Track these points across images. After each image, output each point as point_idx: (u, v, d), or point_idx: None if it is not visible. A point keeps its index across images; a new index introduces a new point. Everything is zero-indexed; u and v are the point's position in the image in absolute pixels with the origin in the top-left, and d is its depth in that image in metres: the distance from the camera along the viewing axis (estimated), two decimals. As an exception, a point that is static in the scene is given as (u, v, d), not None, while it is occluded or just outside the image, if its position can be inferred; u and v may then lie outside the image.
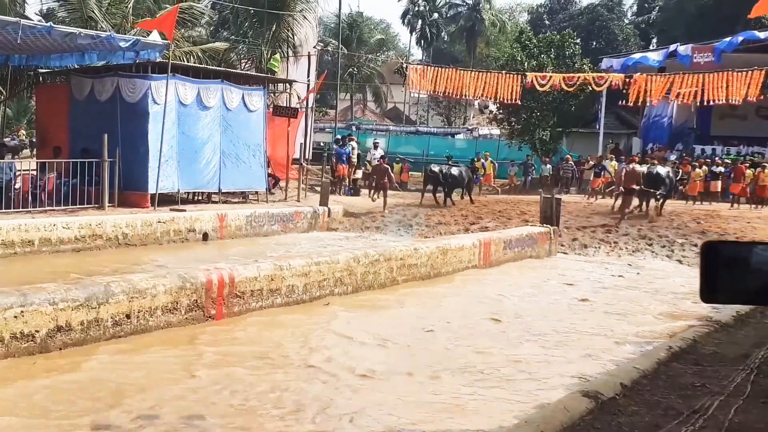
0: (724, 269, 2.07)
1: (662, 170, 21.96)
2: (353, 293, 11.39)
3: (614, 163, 30.09)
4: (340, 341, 8.77)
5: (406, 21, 71.69)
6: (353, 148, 27.22)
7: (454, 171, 23.32)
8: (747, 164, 26.84)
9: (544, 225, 17.44)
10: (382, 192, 22.10)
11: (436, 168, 23.31)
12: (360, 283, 11.67)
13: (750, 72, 25.76)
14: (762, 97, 25.94)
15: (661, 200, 21.20)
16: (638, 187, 20.44)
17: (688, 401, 5.61)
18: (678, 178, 24.00)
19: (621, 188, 21.31)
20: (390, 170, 23.64)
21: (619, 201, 21.40)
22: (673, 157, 29.57)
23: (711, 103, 27.17)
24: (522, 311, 10.90)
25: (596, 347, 8.78)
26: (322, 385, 7.00)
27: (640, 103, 29.96)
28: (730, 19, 39.78)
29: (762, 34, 29.82)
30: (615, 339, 9.25)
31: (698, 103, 27.59)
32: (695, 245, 17.19)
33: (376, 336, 9.01)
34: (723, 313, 9.36)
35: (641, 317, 10.84)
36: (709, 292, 1.98)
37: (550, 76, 30.73)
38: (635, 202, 20.90)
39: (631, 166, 21.68)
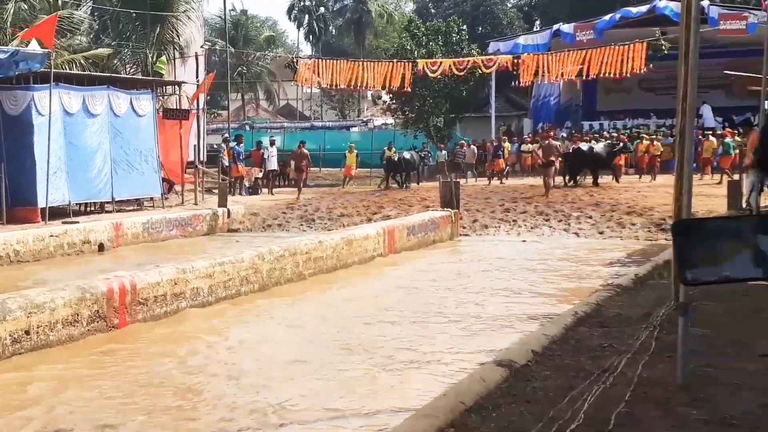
0: (700, 247, 1.95)
1: (595, 146, 24.24)
2: (260, 291, 11.23)
3: (507, 144, 30.75)
4: (248, 339, 8.63)
5: (292, 17, 71.24)
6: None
7: (407, 156, 27.16)
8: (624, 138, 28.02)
9: (445, 209, 17.65)
10: (298, 180, 23.70)
11: (395, 156, 27.10)
12: (267, 280, 11.52)
13: (633, 45, 26.68)
14: (647, 69, 26.92)
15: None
16: (556, 160, 21.61)
17: (597, 361, 5.74)
18: (617, 150, 25.04)
19: (539, 162, 22.45)
20: (309, 157, 26.14)
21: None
22: (563, 135, 30.37)
23: (599, 76, 27.99)
24: (430, 294, 10.99)
25: (505, 320, 8.94)
26: (235, 383, 6.87)
27: (529, 83, 30.65)
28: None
29: (635, 10, 31.01)
30: (522, 310, 9.44)
31: (585, 77, 28.39)
32: (590, 217, 17.75)
33: (288, 327, 8.91)
34: (623, 277, 9.69)
35: (545, 288, 11.10)
36: (690, 272, 1.86)
37: (440, 62, 31.08)
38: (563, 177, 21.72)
39: (546, 141, 22.54)
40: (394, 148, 29.99)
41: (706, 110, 30.28)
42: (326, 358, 7.65)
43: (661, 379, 5.31)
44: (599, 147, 24.99)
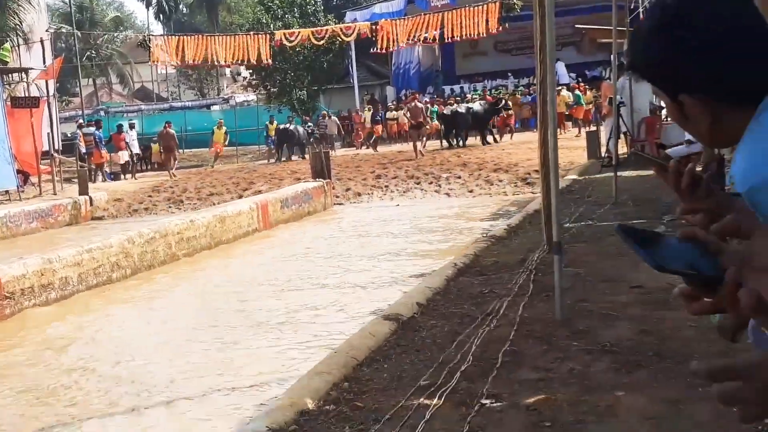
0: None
1: (474, 106, 25.09)
2: (133, 275, 10.87)
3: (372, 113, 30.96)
4: (124, 324, 8.36)
5: (140, -4, 68.66)
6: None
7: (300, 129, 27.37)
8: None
9: (317, 180, 17.58)
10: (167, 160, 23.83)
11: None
12: (139, 264, 11.15)
13: (486, 5, 27.26)
14: (500, 29, 27.59)
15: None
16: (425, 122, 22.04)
17: (480, 307, 5.89)
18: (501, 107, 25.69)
19: (409, 125, 22.75)
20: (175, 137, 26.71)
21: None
22: (426, 100, 30.81)
23: (456, 38, 28.49)
24: (309, 263, 10.96)
25: (387, 280, 9.04)
26: (110, 368, 6.64)
27: (387, 50, 30.85)
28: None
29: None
30: (403, 270, 9.57)
31: (443, 40, 28.87)
32: (459, 177, 18.13)
33: (165, 309, 8.68)
34: (497, 228, 9.96)
35: (423, 247, 11.28)
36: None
37: (299, 32, 30.83)
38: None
39: (413, 103, 22.85)
40: (276, 122, 29.79)
41: (561, 67, 31.38)
42: (205, 334, 7.50)
43: (542, 317, 5.51)
44: (477, 106, 25.48)
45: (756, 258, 0.86)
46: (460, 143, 25.39)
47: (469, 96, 30.58)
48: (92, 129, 25.46)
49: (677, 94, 1.12)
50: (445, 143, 25.71)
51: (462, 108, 25.58)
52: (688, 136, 11.77)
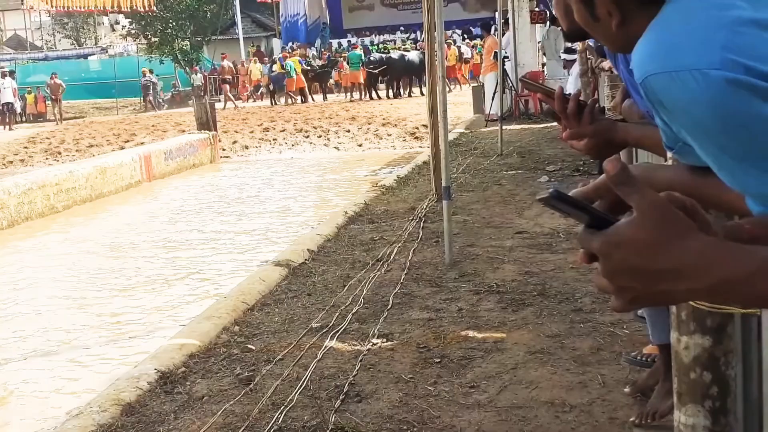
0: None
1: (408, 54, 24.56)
2: (9, 227, 10.40)
3: (258, 65, 30.37)
4: None
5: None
6: None
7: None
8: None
9: (202, 131, 17.18)
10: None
11: None
12: (15, 216, 10.66)
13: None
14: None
15: None
16: None
17: (371, 253, 5.94)
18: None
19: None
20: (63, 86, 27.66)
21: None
22: (313, 53, 30.51)
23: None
24: (193, 216, 10.76)
25: (277, 234, 8.99)
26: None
27: (275, 0, 30.30)
28: None
29: None
30: (295, 222, 9.53)
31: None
32: (348, 131, 18.09)
33: (41, 262, 8.36)
34: (386, 178, 10.02)
35: (313, 200, 11.26)
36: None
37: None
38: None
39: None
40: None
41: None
42: (87, 287, 7.28)
43: (431, 261, 5.61)
44: (412, 55, 24.94)
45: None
46: (391, 94, 25.05)
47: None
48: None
49: None
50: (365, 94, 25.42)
51: (395, 54, 25.04)
52: (569, 90, 12.12)
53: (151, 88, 30.35)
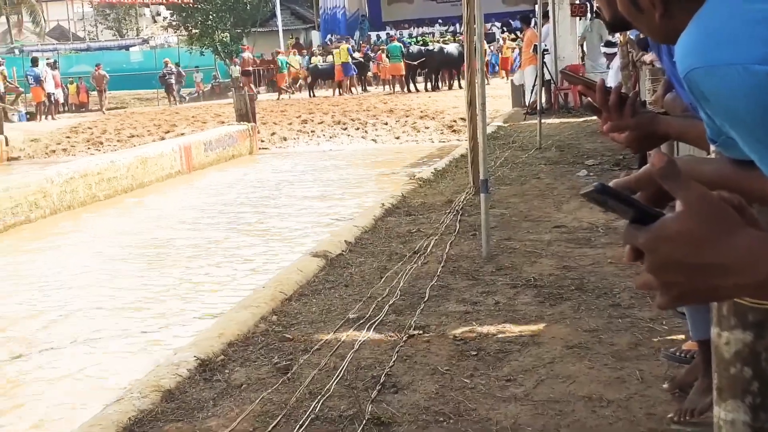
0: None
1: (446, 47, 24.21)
2: (52, 215, 10.59)
3: (297, 57, 30.49)
4: (41, 266, 8.16)
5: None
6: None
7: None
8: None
9: (241, 123, 17.31)
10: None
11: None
12: (58, 204, 10.85)
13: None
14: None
15: None
16: None
17: (408, 245, 5.95)
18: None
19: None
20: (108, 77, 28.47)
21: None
22: (353, 45, 30.54)
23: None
24: (236, 206, 10.87)
25: (316, 223, 9.05)
26: (27, 307, 6.50)
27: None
28: None
29: None
30: (334, 212, 9.58)
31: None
32: (386, 124, 18.10)
33: (85, 249, 8.50)
34: (424, 171, 10.02)
35: (352, 191, 11.29)
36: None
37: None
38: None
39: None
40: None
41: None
42: (129, 273, 7.39)
43: (468, 254, 5.61)
44: (452, 48, 24.85)
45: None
46: (429, 87, 25.00)
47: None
48: (0, 68, 24.73)
49: None
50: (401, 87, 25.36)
51: (435, 47, 25.02)
52: (610, 83, 12.00)
53: (173, 79, 30.56)
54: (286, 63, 28.12)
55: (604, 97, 1.80)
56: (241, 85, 27.62)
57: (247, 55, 29.65)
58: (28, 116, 24.55)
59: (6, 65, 27.52)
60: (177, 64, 31.78)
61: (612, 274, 4.89)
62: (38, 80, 24.17)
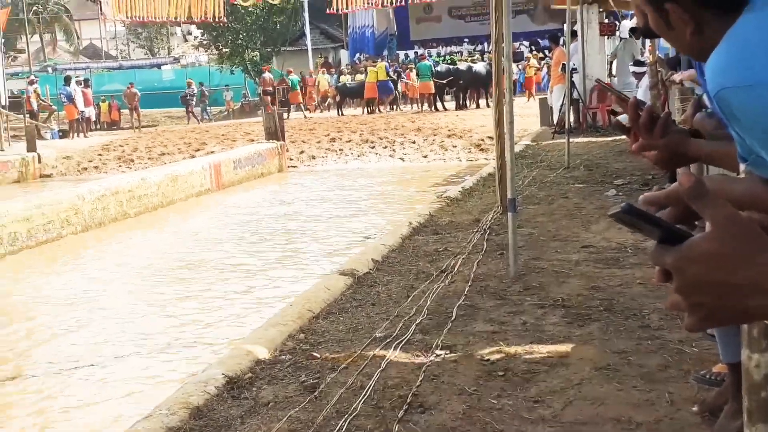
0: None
1: (474, 66, 24.31)
2: (84, 232, 10.73)
3: (326, 76, 30.69)
4: (74, 281, 8.26)
5: (89, -49, 66.79)
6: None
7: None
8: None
9: (271, 141, 17.45)
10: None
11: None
12: (89, 221, 11.00)
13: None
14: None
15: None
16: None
17: (435, 264, 5.95)
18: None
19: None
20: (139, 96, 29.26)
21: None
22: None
23: (409, 1, 28.33)
24: (264, 224, 10.93)
25: (344, 242, 9.07)
26: (60, 324, 6.57)
27: (342, 10, 30.57)
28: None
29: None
30: (360, 229, 9.61)
31: (396, 3, 28.69)
32: (413, 142, 18.15)
33: (116, 266, 8.60)
34: (451, 190, 10.03)
35: (379, 209, 11.32)
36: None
37: (252, -11, 30.37)
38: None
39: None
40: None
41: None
42: (158, 291, 7.46)
43: (496, 273, 5.59)
44: (480, 66, 24.89)
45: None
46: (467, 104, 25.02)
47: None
48: (34, 86, 25.30)
49: (664, 2, 1.12)
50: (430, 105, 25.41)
51: (463, 66, 25.09)
52: (639, 104, 11.94)
53: (194, 99, 31.07)
54: (298, 82, 28.59)
55: (636, 114, 1.80)
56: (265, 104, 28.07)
57: (267, 75, 29.95)
58: (61, 134, 24.93)
59: (40, 83, 28.05)
60: (201, 84, 32.23)
61: (641, 294, 4.85)
62: (71, 98, 24.56)
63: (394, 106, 27.88)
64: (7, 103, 26.18)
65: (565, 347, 4.12)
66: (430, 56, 32.43)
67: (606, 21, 16.39)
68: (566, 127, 11.73)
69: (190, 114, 31.21)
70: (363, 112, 26.97)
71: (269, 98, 28.41)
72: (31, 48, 45.01)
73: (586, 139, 14.00)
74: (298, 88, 28.81)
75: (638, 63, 12.21)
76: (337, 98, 28.54)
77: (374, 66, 27.66)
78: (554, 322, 4.52)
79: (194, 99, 31.28)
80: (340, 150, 18.46)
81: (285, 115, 25.18)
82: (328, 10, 30.78)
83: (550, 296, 4.99)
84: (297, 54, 36.31)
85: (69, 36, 57.11)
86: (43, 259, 9.35)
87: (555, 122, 15.33)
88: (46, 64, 45.25)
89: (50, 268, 9.02)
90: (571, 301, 4.84)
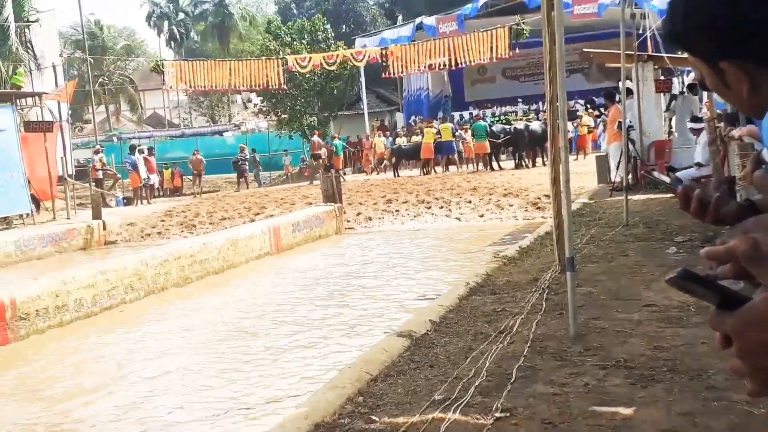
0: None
1: (531, 125, 24.63)
2: (146, 297, 10.93)
3: (382, 139, 31.07)
4: (138, 348, 8.39)
5: (151, 23, 69.43)
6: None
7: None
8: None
9: (328, 204, 17.66)
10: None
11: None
12: (152, 286, 11.21)
13: (496, 30, 27.43)
14: (511, 54, 27.72)
15: None
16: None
17: (493, 324, 5.91)
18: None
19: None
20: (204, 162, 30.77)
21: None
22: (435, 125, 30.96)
23: (466, 63, 28.65)
24: (324, 286, 10.99)
25: (401, 299, 9.07)
26: (123, 389, 6.67)
27: (398, 75, 31.06)
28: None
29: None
30: (417, 291, 9.60)
31: (453, 66, 29.03)
32: (469, 202, 18.17)
33: (177, 331, 8.72)
34: (509, 249, 9.98)
35: (437, 269, 11.31)
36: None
37: (310, 58, 31.07)
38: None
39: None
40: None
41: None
42: (217, 355, 7.53)
43: (555, 334, 5.53)
44: (535, 126, 24.96)
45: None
46: (524, 164, 25.12)
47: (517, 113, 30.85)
48: (99, 155, 26.21)
49: (719, 61, 1.13)
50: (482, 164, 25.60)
51: (520, 125, 25.24)
52: (697, 159, 11.82)
53: (247, 164, 31.75)
54: (342, 147, 29.38)
55: (687, 204, 1.80)
56: (318, 165, 28.67)
57: (316, 139, 30.55)
58: (125, 201, 25.62)
59: (105, 152, 29.00)
60: (254, 150, 33.00)
61: (706, 354, 4.74)
62: (135, 166, 25.31)
63: (449, 167, 28.02)
64: (74, 173, 27.11)
65: (628, 409, 4.04)
66: (485, 117, 32.60)
67: (662, 78, 16.34)
68: (624, 184, 11.64)
69: (243, 179, 31.90)
70: (420, 173, 27.15)
71: (319, 162, 29.08)
72: (96, 118, 46.67)
73: (644, 196, 13.85)
74: (342, 153, 29.46)
75: (696, 119, 12.10)
76: (393, 160, 28.81)
77: (430, 127, 27.93)
78: (617, 383, 4.44)
79: (247, 164, 31.98)
80: (396, 211, 18.56)
81: (343, 178, 25.64)
82: (383, 75, 31.29)
83: (612, 357, 4.90)
84: (354, 118, 36.91)
85: (133, 106, 59.16)
86: (106, 324, 9.53)
87: (612, 180, 15.21)
88: (111, 133, 46.80)
89: (113, 332, 9.18)
90: (634, 362, 4.76)
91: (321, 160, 28.98)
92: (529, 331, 5.62)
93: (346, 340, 7.45)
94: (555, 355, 5.05)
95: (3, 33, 28.75)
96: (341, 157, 29.68)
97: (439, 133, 27.49)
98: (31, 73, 28.84)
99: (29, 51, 29.42)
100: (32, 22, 30.06)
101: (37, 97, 23.69)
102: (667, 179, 2.09)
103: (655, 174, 15.33)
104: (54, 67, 28.44)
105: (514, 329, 5.71)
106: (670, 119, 17.26)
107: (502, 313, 6.25)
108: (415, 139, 29.11)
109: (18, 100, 21.83)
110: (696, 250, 8.30)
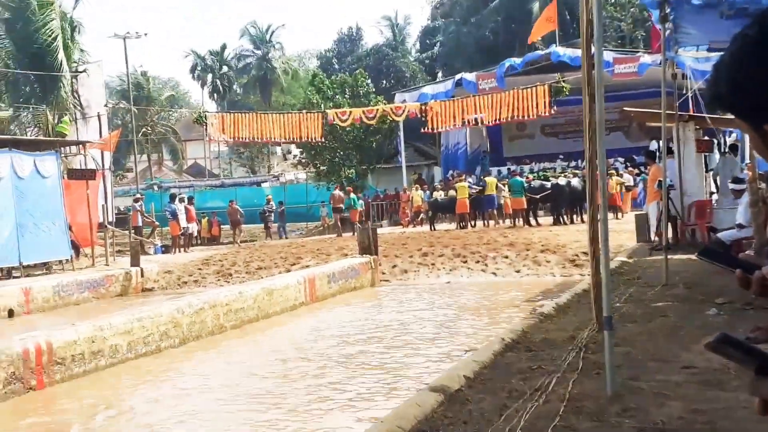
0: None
1: (572, 181, 24.34)
2: (181, 345, 10.98)
3: (419, 192, 31.16)
4: (170, 395, 8.42)
5: (195, 76, 70.97)
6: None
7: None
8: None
9: (364, 255, 17.69)
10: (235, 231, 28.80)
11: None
12: (187, 334, 11.28)
13: (535, 88, 27.56)
14: (551, 111, 27.80)
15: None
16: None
17: (528, 382, 5.83)
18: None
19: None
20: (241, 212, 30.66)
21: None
22: (471, 180, 31.02)
23: (506, 119, 28.80)
24: (357, 339, 10.96)
25: (435, 355, 9.00)
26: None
27: (437, 130, 31.29)
28: (505, 48, 42.62)
29: (541, 51, 32.16)
30: (451, 346, 9.52)
31: (492, 122, 29.19)
32: (506, 257, 18.07)
33: (211, 380, 8.73)
34: (545, 306, 9.88)
35: (470, 323, 11.22)
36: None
37: (350, 112, 31.46)
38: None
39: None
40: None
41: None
42: (250, 406, 7.52)
43: (592, 393, 5.43)
44: (576, 182, 24.57)
45: None
46: (562, 220, 25.02)
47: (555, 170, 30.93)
48: (139, 203, 26.67)
49: (763, 123, 1.13)
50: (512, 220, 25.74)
51: (562, 181, 25.10)
52: (739, 220, 11.67)
53: (272, 215, 32.05)
54: (357, 200, 30.11)
55: (746, 285, 1.76)
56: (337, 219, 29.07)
57: (336, 192, 30.94)
58: (163, 249, 25.91)
59: (145, 200, 29.48)
60: (281, 203, 33.35)
61: (746, 419, 4.61)
62: (175, 215, 25.64)
63: (485, 222, 27.98)
64: (114, 220, 27.55)
65: (666, 473, 3.94)
66: (523, 172, 32.55)
67: (704, 137, 16.24)
68: (664, 243, 11.51)
69: (267, 230, 32.26)
70: (456, 227, 27.13)
71: (339, 215, 29.56)
72: (138, 167, 47.55)
73: (685, 256, 13.65)
74: (358, 206, 29.93)
75: (737, 180, 11.98)
76: (430, 213, 28.84)
77: (461, 182, 28.06)
78: (654, 446, 4.34)
79: (272, 215, 32.36)
80: (432, 264, 18.52)
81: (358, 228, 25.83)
82: (422, 130, 31.52)
83: (650, 418, 4.80)
84: (391, 171, 37.12)
85: (175, 156, 60.23)
86: (141, 371, 9.58)
87: (652, 238, 15.06)
88: (152, 182, 47.56)
89: (145, 380, 9.21)
90: (672, 424, 4.65)
91: (340, 214, 29.65)
92: (565, 390, 5.52)
93: (378, 393, 7.39)
94: (592, 415, 4.95)
95: (52, 82, 29.60)
96: (357, 210, 30.03)
97: (483, 185, 27.56)
98: (76, 122, 29.61)
99: (76, 100, 30.22)
100: (80, 72, 30.95)
101: (81, 146, 24.25)
102: (724, 264, 1.99)
103: (712, 258, 15.12)
104: (99, 116, 29.14)
105: (550, 388, 5.62)
106: (715, 179, 17.09)
107: (537, 371, 6.16)
108: (452, 193, 29.15)
109: (63, 148, 22.35)
110: (737, 312, 8.15)
